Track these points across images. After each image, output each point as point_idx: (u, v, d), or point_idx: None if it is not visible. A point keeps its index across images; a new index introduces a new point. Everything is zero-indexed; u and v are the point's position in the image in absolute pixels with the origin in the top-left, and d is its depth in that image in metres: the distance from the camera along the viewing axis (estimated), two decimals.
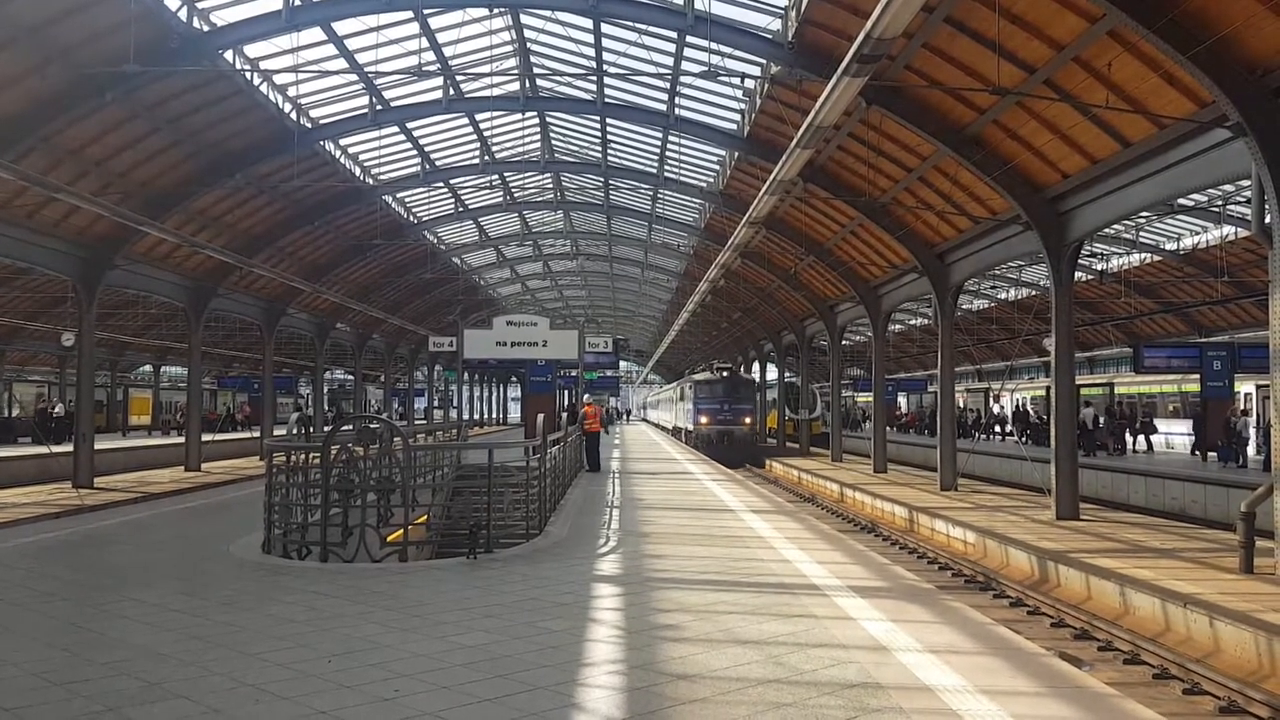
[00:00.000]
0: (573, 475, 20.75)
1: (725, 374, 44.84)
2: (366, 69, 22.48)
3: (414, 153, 29.57)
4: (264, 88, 22.34)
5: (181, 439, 33.23)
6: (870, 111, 18.95)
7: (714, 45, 19.21)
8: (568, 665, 6.10)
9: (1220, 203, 25.43)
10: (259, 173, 25.35)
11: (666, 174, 31.66)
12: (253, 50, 20.91)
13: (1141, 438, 33.91)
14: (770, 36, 19.19)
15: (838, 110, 13.87)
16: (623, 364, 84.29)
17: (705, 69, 19.90)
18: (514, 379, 71.26)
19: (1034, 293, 39.04)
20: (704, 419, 43.00)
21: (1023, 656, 6.57)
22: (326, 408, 49.99)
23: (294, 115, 23.85)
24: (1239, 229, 27.07)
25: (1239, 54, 12.30)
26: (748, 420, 43.60)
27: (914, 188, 22.67)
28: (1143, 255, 33.36)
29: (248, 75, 21.34)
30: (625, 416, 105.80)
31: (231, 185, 25.06)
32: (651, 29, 21.04)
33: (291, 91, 23.42)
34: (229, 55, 20.13)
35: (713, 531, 12.89)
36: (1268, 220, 12.47)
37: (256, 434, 38.92)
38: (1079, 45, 14.40)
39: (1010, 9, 14.23)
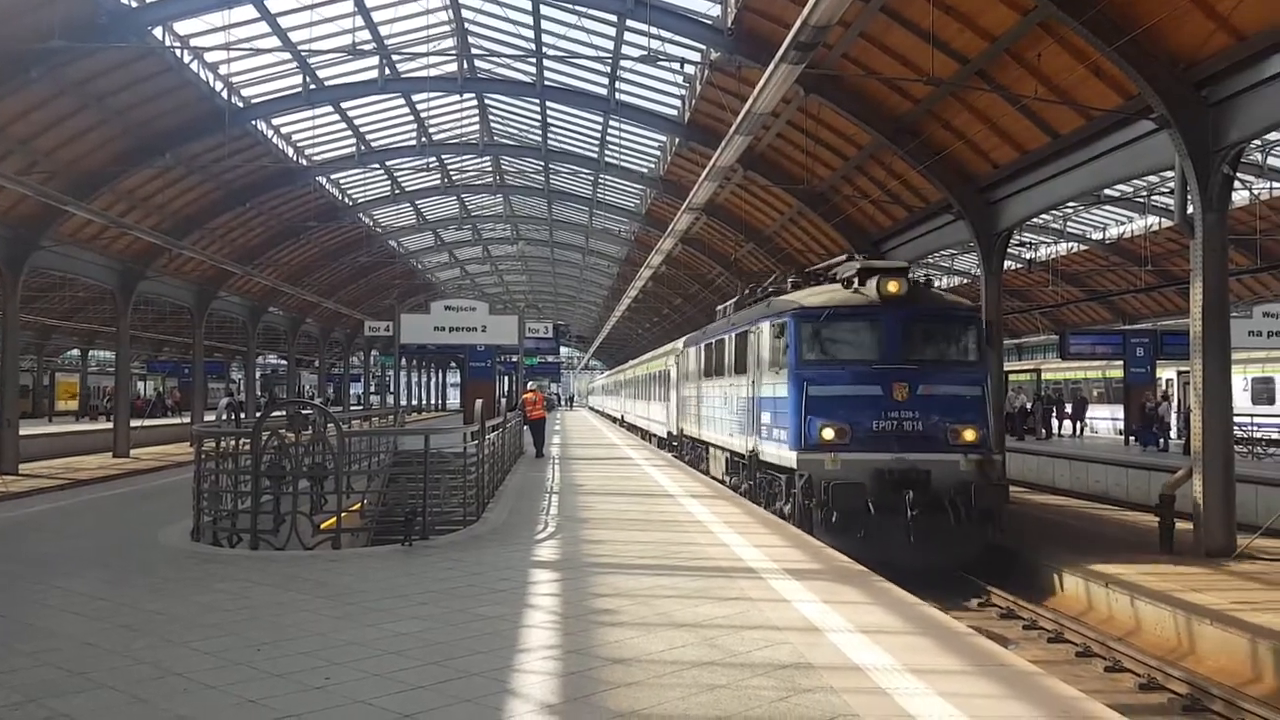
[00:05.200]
0: (512, 461, 20.68)
1: (900, 281, 13.76)
2: (300, 47, 22.09)
3: (349, 133, 29.14)
4: (194, 66, 21.83)
5: (110, 425, 32.44)
6: (809, 100, 19.13)
7: (654, 30, 19.22)
8: (503, 651, 6.09)
9: (1145, 194, 26.09)
10: (189, 153, 24.79)
11: (607, 159, 31.59)
12: (183, 27, 20.49)
13: (1067, 422, 34.82)
14: (710, 22, 19.26)
15: (775, 97, 13.95)
16: (564, 350, 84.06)
17: (645, 53, 19.90)
18: (453, 364, 70.76)
19: (965, 281, 39.70)
20: (830, 432, 13.17)
21: (950, 636, 6.70)
22: (259, 393, 49.14)
23: (225, 94, 23.35)
24: (1162, 219, 27.79)
25: (1164, 47, 12.62)
26: (972, 434, 13.22)
27: (851, 176, 22.94)
28: (1070, 244, 34.12)
29: (178, 53, 20.84)
30: (569, 403, 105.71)
31: (161, 165, 24.47)
32: (591, 11, 20.96)
33: (223, 70, 22.94)
34: (158, 32, 19.65)
35: (651, 516, 12.93)
36: (1190, 211, 12.84)
37: (187, 420, 38.15)
38: (1010, 37, 14.67)
39: None
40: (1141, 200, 26.81)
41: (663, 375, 30.18)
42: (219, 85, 23.10)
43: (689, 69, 22.52)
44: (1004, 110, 16.32)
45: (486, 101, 29.34)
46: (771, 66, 12.88)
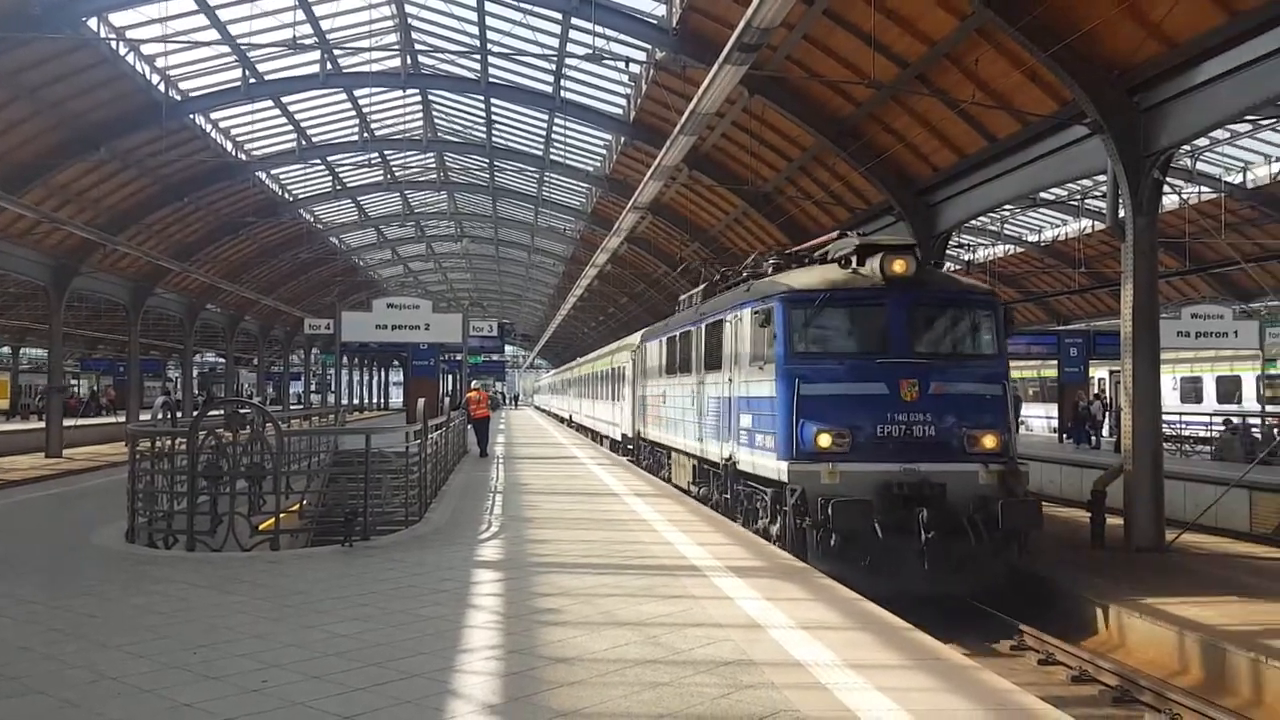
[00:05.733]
0: (456, 461, 20.55)
1: (908, 260, 11.53)
2: (239, 41, 21.73)
3: (289, 128, 28.74)
4: (131, 58, 21.39)
5: (42, 424, 31.64)
6: (753, 101, 19.27)
7: (599, 28, 19.23)
8: (445, 652, 6.06)
9: (1079, 197, 26.67)
10: (125, 146, 24.28)
11: (553, 157, 31.50)
12: (119, 19, 20.07)
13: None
14: (655, 22, 19.32)
15: (719, 98, 14.04)
16: (509, 348, 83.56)
17: (590, 52, 19.90)
18: (396, 363, 70.09)
19: None
20: (826, 438, 11.13)
21: (889, 631, 6.81)
22: (196, 391, 48.27)
23: (163, 87, 22.91)
24: (1095, 222, 28.43)
25: (1097, 53, 12.92)
26: (992, 440, 11.31)
27: (795, 177, 23.16)
28: (1007, 246, 34.78)
29: (113, 45, 20.41)
30: (514, 402, 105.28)
31: (96, 159, 23.96)
32: (536, 9, 20.92)
33: (160, 63, 22.51)
34: (93, 23, 19.23)
35: (596, 515, 12.94)
36: (1121, 214, 13.17)
37: (122, 419, 37.37)
38: (949, 42, 14.92)
39: (884, 3, 14.61)
40: (1075, 204, 27.41)
41: (618, 372, 27.57)
42: (156, 78, 22.65)
43: (634, 68, 22.56)
44: (943, 114, 16.58)
45: (430, 97, 29.11)
46: (715, 67, 12.95)
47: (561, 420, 52.00)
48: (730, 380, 13.64)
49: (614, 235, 26.64)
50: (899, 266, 11.35)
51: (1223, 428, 25.26)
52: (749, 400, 12.75)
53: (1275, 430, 23.61)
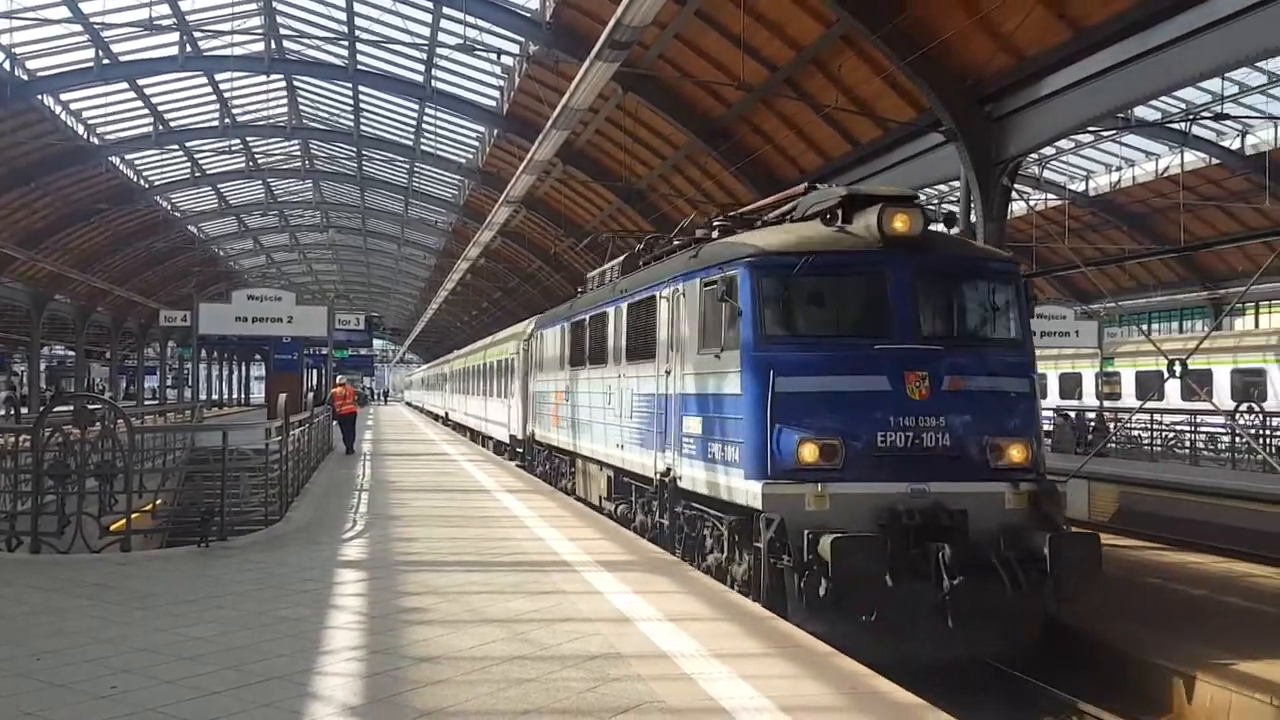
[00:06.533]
0: (320, 458, 20.05)
1: (912, 215, 8.59)
2: (91, 19, 20.70)
3: (145, 112, 27.55)
4: None
5: None
6: (627, 98, 19.39)
7: (471, 19, 19.05)
8: (305, 654, 5.93)
9: (936, 201, 27.73)
10: None
11: (423, 148, 31.02)
12: None
13: None
14: (529, 15, 19.25)
15: (591, 94, 14.09)
16: (378, 342, 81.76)
17: (462, 42, 19.68)
18: (258, 357, 67.83)
19: None
20: (812, 449, 8.16)
21: (752, 620, 6.99)
22: (44, 387, 45.78)
23: (8, 65, 21.66)
24: (953, 228, 29.57)
25: (952, 63, 13.49)
26: (1020, 452, 8.44)
27: (668, 175, 23.41)
28: None
29: None
30: (383, 398, 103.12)
31: None
32: None
33: (5, 40, 21.28)
34: None
35: (467, 512, 12.85)
36: (974, 219, 13.79)
37: None
38: (816, 47, 15.35)
39: (754, 7, 14.92)
40: (933, 208, 28.47)
41: (504, 365, 24.24)
42: (0, 56, 21.40)
43: (507, 60, 22.42)
44: (809, 118, 17.03)
45: (295, 83, 28.30)
46: (588, 62, 12.99)
47: (436, 418, 48.74)
48: (668, 373, 10.64)
49: (486, 229, 26.41)
50: (901, 223, 8.61)
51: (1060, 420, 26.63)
52: (697, 398, 9.85)
53: (1110, 424, 25.04)
